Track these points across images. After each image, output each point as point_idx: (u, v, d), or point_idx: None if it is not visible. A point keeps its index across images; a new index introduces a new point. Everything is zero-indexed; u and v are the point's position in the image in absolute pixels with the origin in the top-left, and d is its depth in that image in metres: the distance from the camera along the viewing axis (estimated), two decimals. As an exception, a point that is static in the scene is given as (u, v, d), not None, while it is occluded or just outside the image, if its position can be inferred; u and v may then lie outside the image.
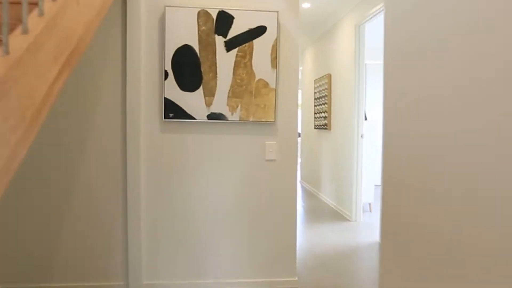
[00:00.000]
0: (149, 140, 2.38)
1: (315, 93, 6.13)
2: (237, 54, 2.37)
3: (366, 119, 4.79)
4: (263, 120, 2.42)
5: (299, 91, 6.76)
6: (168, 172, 2.40)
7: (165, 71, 2.33)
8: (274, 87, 2.41)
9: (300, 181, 7.30)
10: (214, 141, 2.44)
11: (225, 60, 2.37)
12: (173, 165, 2.40)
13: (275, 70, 2.41)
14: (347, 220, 4.55)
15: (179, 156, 2.41)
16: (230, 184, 2.47)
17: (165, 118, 2.34)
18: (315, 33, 6.19)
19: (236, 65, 2.38)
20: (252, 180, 2.49)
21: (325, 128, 5.48)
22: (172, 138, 2.39)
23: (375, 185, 6.52)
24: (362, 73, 4.35)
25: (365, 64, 4.71)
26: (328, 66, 5.55)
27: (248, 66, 2.38)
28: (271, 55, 2.40)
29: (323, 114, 5.61)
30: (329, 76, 5.36)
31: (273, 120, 2.44)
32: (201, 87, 2.35)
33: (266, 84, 2.41)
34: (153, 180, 2.39)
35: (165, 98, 2.33)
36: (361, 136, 4.35)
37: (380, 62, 7.10)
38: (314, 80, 6.19)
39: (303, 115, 7.10)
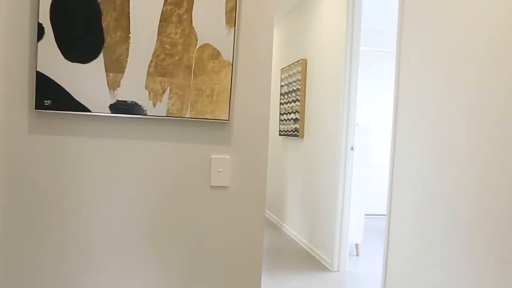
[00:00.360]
0: (9, 145, 2.09)
1: (281, 86, 6.23)
2: (166, 0, 2.08)
3: (357, 124, 4.78)
4: (208, 117, 2.13)
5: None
6: (39, 202, 2.08)
7: (40, 25, 2.03)
8: (231, 60, 2.13)
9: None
10: (121, 151, 2.12)
11: (144, 9, 2.08)
12: (48, 191, 2.09)
13: (232, 30, 2.11)
14: (326, 269, 4.40)
15: (60, 175, 2.09)
16: (145, 228, 2.10)
17: (37, 107, 2.05)
18: (284, 4, 6.22)
19: (165, 19, 2.08)
20: (185, 222, 2.14)
21: (295, 135, 5.52)
22: (49, 144, 2.10)
23: (366, 215, 6.74)
24: (356, 59, 4.25)
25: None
26: (303, 49, 5.60)
27: (186, 21, 2.09)
28: (227, 3, 2.10)
29: (292, 116, 5.68)
30: (303, 63, 5.39)
31: (227, 118, 2.12)
32: (101, 56, 2.07)
33: (216, 54, 2.11)
34: (15, 212, 2.08)
35: (38, 73, 2.05)
36: (351, 148, 4.24)
37: (376, 49, 7.34)
38: (281, 70, 6.30)
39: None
